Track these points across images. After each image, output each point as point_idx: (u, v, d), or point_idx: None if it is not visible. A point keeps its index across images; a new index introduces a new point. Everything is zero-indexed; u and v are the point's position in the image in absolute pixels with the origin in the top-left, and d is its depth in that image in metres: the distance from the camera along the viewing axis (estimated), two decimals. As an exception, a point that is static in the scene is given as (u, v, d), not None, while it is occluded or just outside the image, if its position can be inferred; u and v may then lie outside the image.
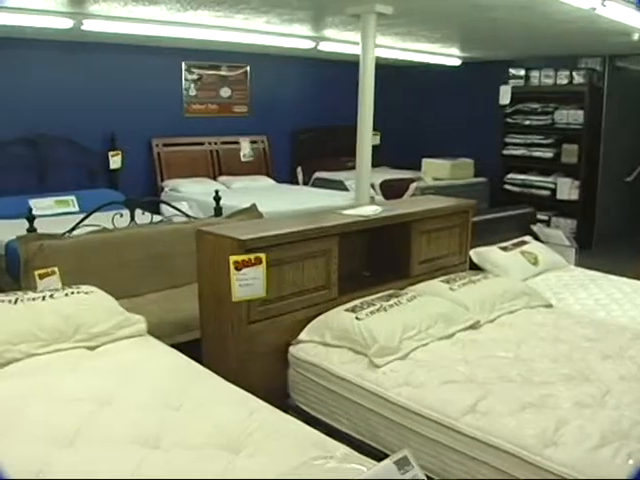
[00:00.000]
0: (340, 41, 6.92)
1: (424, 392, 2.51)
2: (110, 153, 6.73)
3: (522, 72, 8.11)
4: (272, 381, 2.99)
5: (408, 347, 2.85)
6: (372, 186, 6.84)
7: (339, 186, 7.77)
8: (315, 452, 1.92)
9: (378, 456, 1.98)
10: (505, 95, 7.56)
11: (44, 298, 2.85)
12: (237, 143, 8.06)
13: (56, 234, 3.84)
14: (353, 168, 5.63)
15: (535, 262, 4.45)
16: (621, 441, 2.09)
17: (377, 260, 3.84)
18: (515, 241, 4.66)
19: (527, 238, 4.82)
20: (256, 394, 2.38)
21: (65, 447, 1.96)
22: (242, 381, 2.55)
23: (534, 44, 7.00)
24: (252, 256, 2.81)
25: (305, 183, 8.58)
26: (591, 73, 7.62)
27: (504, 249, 4.47)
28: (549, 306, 3.64)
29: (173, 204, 4.83)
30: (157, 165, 7.45)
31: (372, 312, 3.01)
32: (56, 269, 3.27)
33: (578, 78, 7.63)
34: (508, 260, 4.35)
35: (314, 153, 8.76)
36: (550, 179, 7.95)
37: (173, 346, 2.96)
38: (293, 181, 8.62)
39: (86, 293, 2.97)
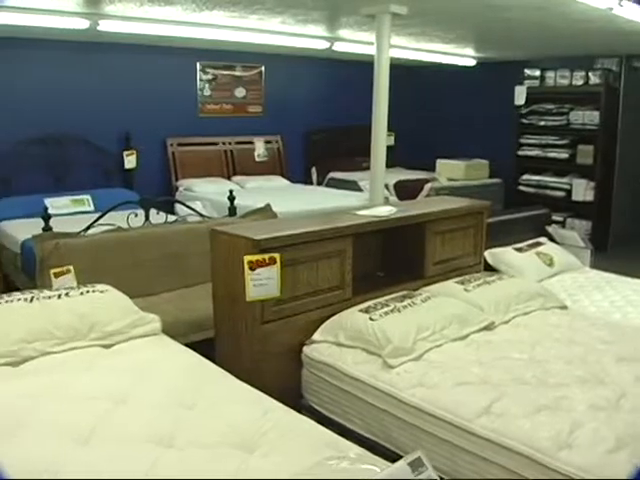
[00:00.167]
0: (355, 41, 6.91)
1: (438, 393, 2.51)
2: (125, 153, 6.76)
3: (537, 72, 8.07)
4: (285, 381, 2.99)
5: (422, 348, 2.84)
6: (386, 187, 6.83)
7: (353, 186, 7.76)
8: (329, 452, 1.92)
9: (391, 457, 1.97)
10: (520, 96, 7.53)
11: (60, 296, 2.87)
12: (251, 143, 8.08)
13: (71, 233, 3.86)
14: (367, 168, 5.64)
15: (550, 263, 4.43)
16: (636, 444, 2.07)
17: (391, 261, 3.84)
18: (530, 242, 4.64)
19: (542, 239, 4.80)
20: (269, 394, 2.39)
21: (80, 445, 1.97)
22: (256, 381, 2.55)
23: (550, 44, 6.96)
24: (266, 256, 2.81)
25: (319, 183, 8.58)
26: (607, 73, 7.57)
27: (519, 250, 4.46)
28: (564, 308, 3.62)
29: (187, 204, 4.84)
30: (172, 165, 7.47)
31: (386, 313, 3.01)
32: (71, 268, 3.29)
33: (594, 78, 7.58)
34: (523, 261, 4.33)
35: (328, 153, 8.76)
36: (565, 180, 7.90)
37: (187, 345, 2.97)
38: (307, 181, 8.61)
39: (101, 292, 2.98)
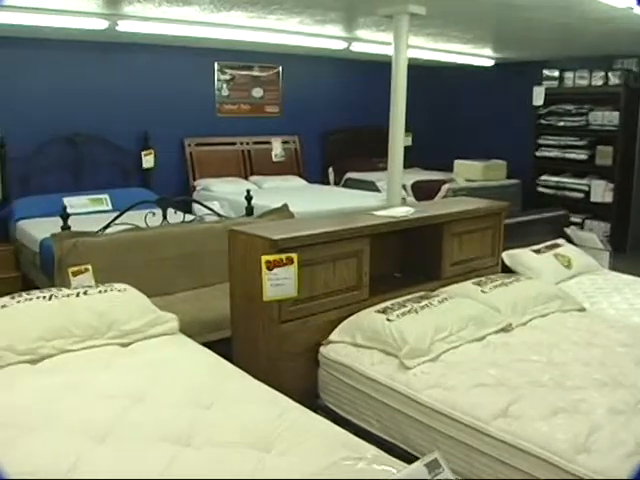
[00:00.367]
0: (372, 42, 6.90)
1: (455, 395, 2.50)
2: (143, 152, 6.80)
3: (556, 73, 8.01)
4: (302, 381, 3.00)
5: (439, 349, 2.83)
6: (404, 187, 6.82)
7: (370, 187, 7.75)
8: (345, 453, 1.92)
9: (407, 458, 1.97)
10: (539, 96, 7.49)
11: (78, 295, 2.89)
12: (269, 143, 8.10)
13: (90, 232, 3.89)
14: (385, 169, 5.62)
15: (568, 265, 4.39)
16: (656, 448, 2.06)
17: (408, 261, 3.83)
18: (548, 244, 4.61)
19: (560, 241, 4.76)
20: (286, 393, 2.39)
21: (98, 443, 1.98)
22: (272, 380, 2.56)
23: (569, 44, 6.92)
24: (284, 256, 2.81)
25: (336, 184, 8.58)
26: (627, 74, 7.49)
27: (537, 252, 4.43)
28: (582, 310, 3.59)
29: (205, 203, 4.86)
30: (189, 164, 7.51)
31: (403, 313, 3.00)
32: (89, 266, 3.32)
33: (613, 79, 7.51)
34: (541, 263, 4.30)
35: (345, 153, 8.76)
36: (584, 181, 7.84)
37: (204, 344, 2.98)
38: (324, 181, 8.62)
39: (119, 291, 3.00)
